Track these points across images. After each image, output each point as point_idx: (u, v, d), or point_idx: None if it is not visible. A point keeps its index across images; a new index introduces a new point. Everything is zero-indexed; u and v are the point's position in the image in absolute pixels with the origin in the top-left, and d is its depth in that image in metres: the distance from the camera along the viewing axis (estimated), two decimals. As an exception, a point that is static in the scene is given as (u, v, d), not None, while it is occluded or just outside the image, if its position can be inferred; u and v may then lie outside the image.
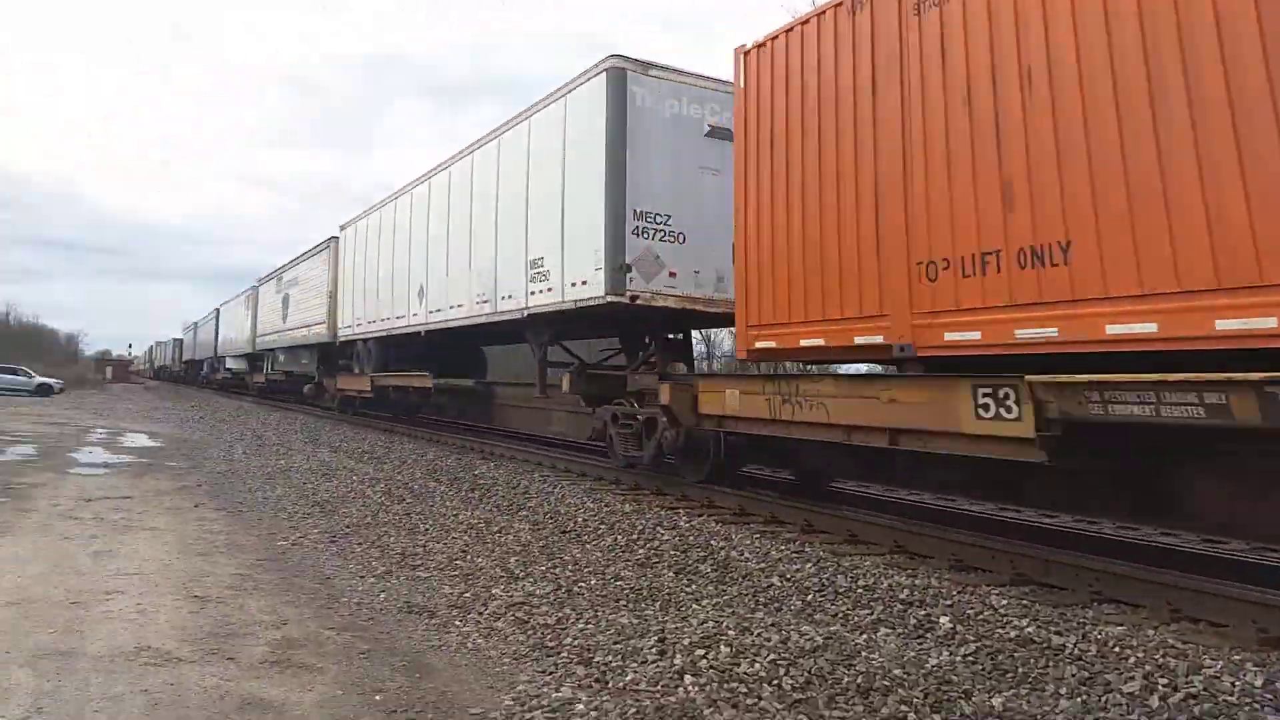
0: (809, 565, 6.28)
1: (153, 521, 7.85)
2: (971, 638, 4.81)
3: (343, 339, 22.68)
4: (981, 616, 5.20)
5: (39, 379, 39.48)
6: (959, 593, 5.65)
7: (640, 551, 6.97)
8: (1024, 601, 5.49)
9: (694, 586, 5.86)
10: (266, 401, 34.83)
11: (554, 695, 3.83)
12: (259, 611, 5.10)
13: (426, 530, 7.79)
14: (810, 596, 5.59)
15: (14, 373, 39.40)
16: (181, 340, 70.32)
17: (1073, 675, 4.11)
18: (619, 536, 7.51)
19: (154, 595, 5.28)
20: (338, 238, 23.71)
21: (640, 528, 7.76)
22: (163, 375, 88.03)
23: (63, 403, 32.22)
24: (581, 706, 3.68)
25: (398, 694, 3.88)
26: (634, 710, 3.62)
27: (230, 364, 42.57)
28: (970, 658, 4.42)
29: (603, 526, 7.93)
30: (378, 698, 3.82)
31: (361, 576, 6.12)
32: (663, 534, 7.51)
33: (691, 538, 7.31)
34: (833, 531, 7.63)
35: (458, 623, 5.04)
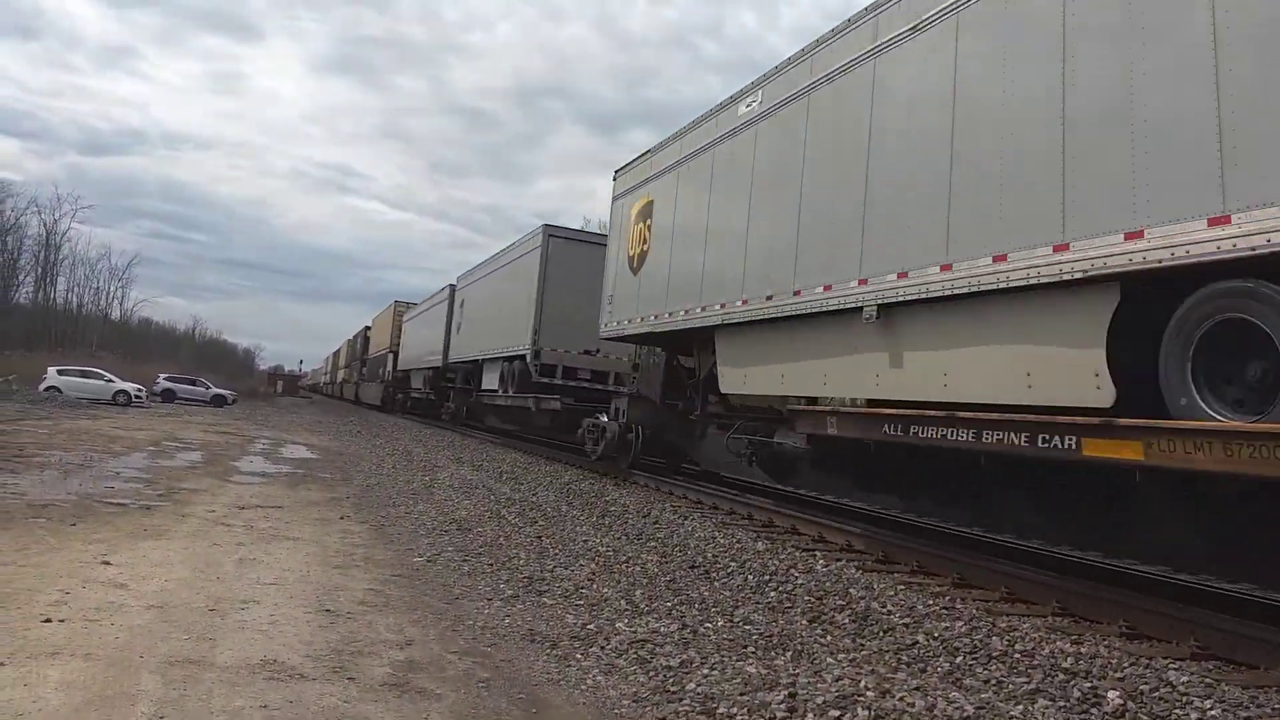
0: (959, 623, 5.76)
1: (298, 532, 8.11)
2: (1145, 717, 4.26)
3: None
4: (1157, 694, 4.61)
5: (215, 390, 42.58)
6: (1130, 665, 5.04)
7: (772, 594, 6.63)
8: (1207, 680, 4.84)
9: (829, 638, 5.48)
10: (421, 419, 35.99)
11: (673, 748, 3.58)
12: (386, 630, 5.10)
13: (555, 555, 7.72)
14: (960, 659, 5.10)
15: (193, 383, 42.68)
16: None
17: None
18: (749, 576, 7.20)
19: (288, 607, 5.38)
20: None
21: (773, 568, 7.41)
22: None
23: (234, 413, 34.56)
24: (702, 764, 3.42)
25: (512, 731, 3.74)
26: (758, 774, 3.33)
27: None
28: (1144, 742, 3.89)
29: (733, 564, 7.63)
30: (491, 733, 3.69)
31: (489, 599, 6.07)
32: (797, 577, 7.13)
33: (828, 583, 6.90)
34: (988, 587, 7.03)
35: (579, 656, 4.88)
